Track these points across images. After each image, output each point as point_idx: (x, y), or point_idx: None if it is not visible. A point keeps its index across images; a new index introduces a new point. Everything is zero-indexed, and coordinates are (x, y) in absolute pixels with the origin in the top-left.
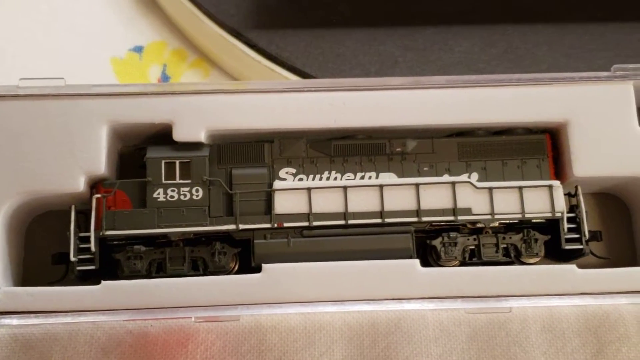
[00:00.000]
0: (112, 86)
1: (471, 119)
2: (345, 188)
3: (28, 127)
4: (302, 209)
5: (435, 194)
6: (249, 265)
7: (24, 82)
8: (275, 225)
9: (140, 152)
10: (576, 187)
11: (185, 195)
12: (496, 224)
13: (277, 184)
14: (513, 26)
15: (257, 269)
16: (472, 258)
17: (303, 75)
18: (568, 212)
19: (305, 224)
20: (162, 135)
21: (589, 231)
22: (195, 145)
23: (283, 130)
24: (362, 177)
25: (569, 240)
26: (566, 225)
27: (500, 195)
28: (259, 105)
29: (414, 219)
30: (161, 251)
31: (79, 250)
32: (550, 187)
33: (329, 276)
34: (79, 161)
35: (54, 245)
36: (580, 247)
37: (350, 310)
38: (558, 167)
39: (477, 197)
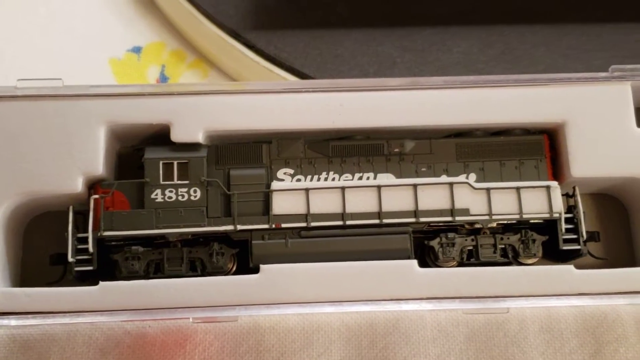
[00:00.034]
0: (110, 87)
1: (469, 120)
2: (343, 189)
3: (26, 127)
4: (300, 209)
5: (433, 195)
6: (246, 265)
7: (22, 82)
8: (273, 225)
9: (138, 152)
10: (574, 188)
11: (183, 196)
12: (494, 224)
13: (275, 185)
14: (511, 27)
15: (255, 270)
16: (470, 259)
17: (301, 76)
18: (566, 213)
19: (303, 224)
20: (160, 136)
21: (587, 232)
22: (193, 146)
23: (281, 131)
24: (360, 178)
25: (566, 241)
26: (564, 226)
27: (498, 195)
28: (257, 106)
29: (412, 220)
30: (159, 252)
31: (77, 251)
32: (548, 187)
33: (327, 277)
34: (77, 162)
35: (52, 246)
36: (578, 247)
37: (348, 310)
38: (556, 167)
39: (475, 197)
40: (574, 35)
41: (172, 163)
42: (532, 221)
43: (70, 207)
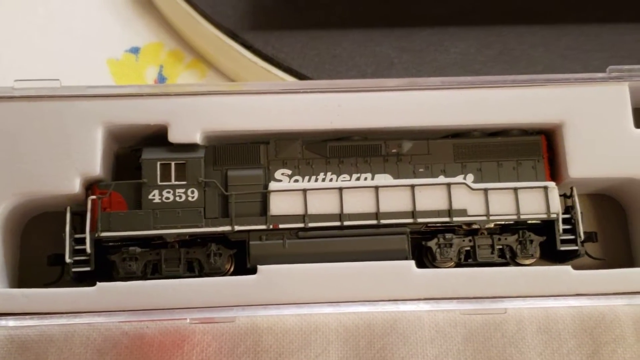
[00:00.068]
0: (107, 87)
1: (467, 120)
2: (340, 189)
3: (23, 128)
4: (298, 210)
5: (431, 195)
6: (244, 266)
7: (19, 83)
8: (271, 226)
9: (136, 153)
10: (571, 189)
11: (180, 197)
12: (491, 225)
13: (272, 185)
14: (509, 27)
15: (253, 271)
16: (468, 259)
17: (299, 76)
18: (563, 214)
19: (301, 225)
20: (157, 137)
21: (585, 232)
22: (191, 147)
23: (279, 132)
24: (358, 179)
25: (564, 242)
26: (561, 227)
27: (496, 196)
28: (255, 106)
29: (410, 220)
30: (156, 252)
31: (75, 252)
32: (545, 188)
33: (325, 277)
34: (74, 162)
35: (50, 247)
36: (576, 248)
37: (346, 311)
38: (553, 168)
39: (473, 198)
40: (572, 35)
41: (170, 164)
42: (529, 222)
43: (68, 208)
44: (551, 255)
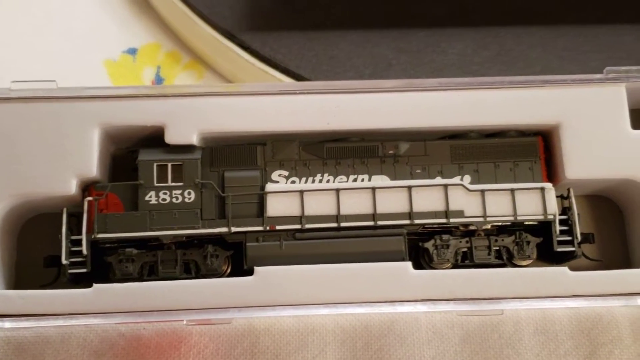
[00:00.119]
0: (103, 89)
1: (464, 122)
2: (337, 190)
3: (20, 129)
4: (295, 211)
5: (428, 197)
6: (241, 268)
7: (16, 84)
8: (268, 227)
9: (133, 154)
10: (568, 190)
11: (177, 198)
12: (488, 226)
13: (269, 187)
14: (506, 28)
15: (250, 272)
16: (465, 260)
17: (297, 77)
18: (560, 215)
19: (298, 226)
20: (154, 138)
21: (581, 233)
22: (188, 148)
23: (276, 133)
24: (355, 180)
25: (561, 243)
26: (558, 228)
27: (493, 197)
28: (252, 107)
29: (407, 222)
30: (153, 254)
31: (71, 253)
32: (542, 189)
33: (322, 279)
34: (71, 164)
35: (46, 248)
36: (573, 249)
37: (343, 312)
38: (550, 169)
39: (470, 199)
40: (570, 36)
41: (166, 165)
42: (526, 223)
43: (64, 210)
44: (548, 256)
